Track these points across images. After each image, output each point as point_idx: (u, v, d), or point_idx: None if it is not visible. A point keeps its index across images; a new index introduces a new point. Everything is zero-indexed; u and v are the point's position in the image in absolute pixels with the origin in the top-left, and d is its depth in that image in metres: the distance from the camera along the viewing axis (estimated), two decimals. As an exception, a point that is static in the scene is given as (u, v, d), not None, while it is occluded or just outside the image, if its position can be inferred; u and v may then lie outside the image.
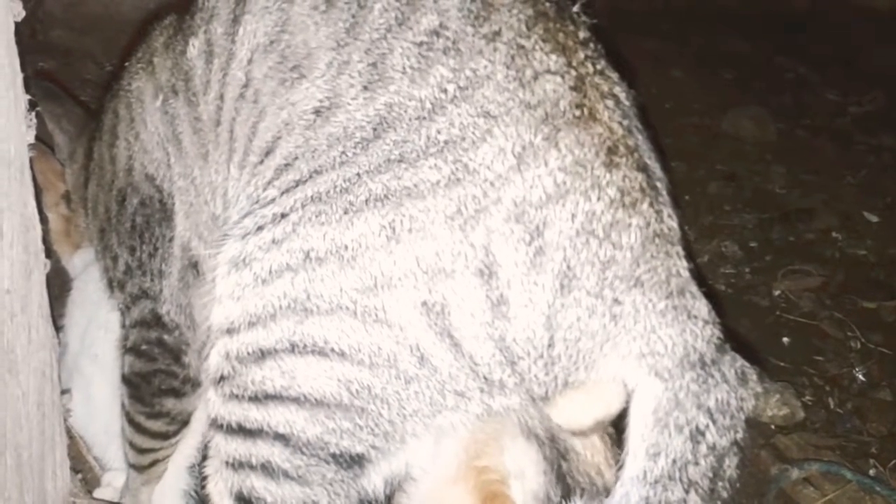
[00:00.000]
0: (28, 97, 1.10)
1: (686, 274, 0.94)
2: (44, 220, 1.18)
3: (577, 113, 0.92)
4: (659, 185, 0.96)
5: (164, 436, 1.36)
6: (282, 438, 0.96)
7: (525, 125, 0.90)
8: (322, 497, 0.98)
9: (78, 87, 2.07)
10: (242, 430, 0.98)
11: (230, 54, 1.07)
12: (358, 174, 0.92)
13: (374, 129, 0.93)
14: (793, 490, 1.74)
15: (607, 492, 1.10)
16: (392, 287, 0.90)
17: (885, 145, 3.32)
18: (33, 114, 1.11)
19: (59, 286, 1.54)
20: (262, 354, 0.96)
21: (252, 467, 0.98)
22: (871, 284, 2.48)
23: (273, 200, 0.97)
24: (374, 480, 1.02)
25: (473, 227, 0.89)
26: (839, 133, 3.41)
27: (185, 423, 1.36)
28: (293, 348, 0.94)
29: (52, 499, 1.28)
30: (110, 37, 2.49)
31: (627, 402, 0.94)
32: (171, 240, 1.22)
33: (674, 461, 0.91)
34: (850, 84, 3.74)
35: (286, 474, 0.97)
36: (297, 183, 0.96)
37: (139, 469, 1.40)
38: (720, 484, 0.94)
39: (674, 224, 0.95)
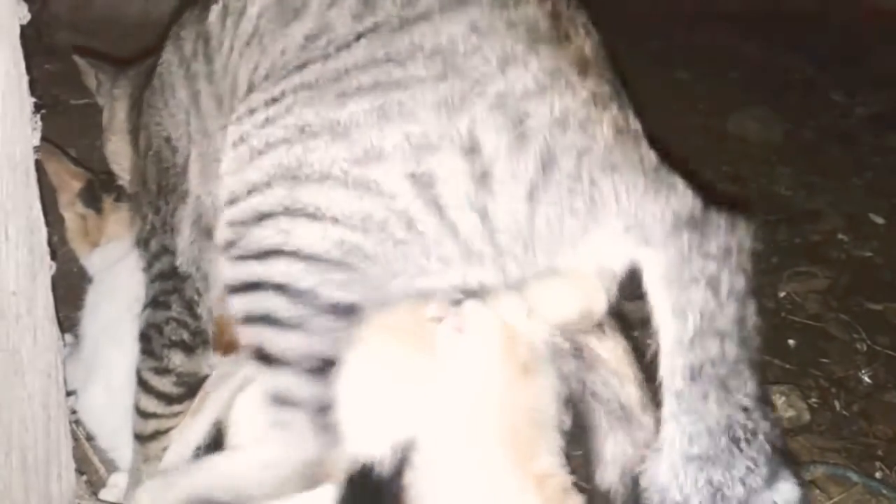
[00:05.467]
0: (34, 100, 1.10)
1: (655, 159, 1.03)
2: (48, 222, 1.19)
3: (554, 34, 1.03)
4: (625, 100, 1.07)
5: (169, 399, 1.39)
6: (281, 288, 1.04)
7: (510, 38, 1.00)
8: (322, 345, 1.05)
9: (83, 89, 2.07)
10: (248, 286, 1.07)
11: (241, 11, 1.19)
12: (346, 68, 1.02)
13: (357, 36, 1.03)
14: (798, 493, 1.73)
15: (630, 413, 1.15)
16: (382, 159, 1.00)
17: (892, 146, 3.30)
18: (38, 116, 1.11)
19: (64, 288, 1.55)
20: (261, 217, 1.05)
21: (259, 320, 1.06)
22: (877, 286, 2.47)
23: (265, 90, 1.08)
24: None
25: (459, 114, 0.98)
26: (845, 134, 3.40)
27: (190, 391, 1.39)
28: (286, 211, 1.03)
29: (57, 500, 1.28)
30: (116, 39, 2.50)
31: (644, 286, 1.00)
32: (186, 194, 1.33)
33: (701, 314, 0.97)
34: (857, 85, 3.73)
35: (288, 324, 1.05)
36: (286, 74, 1.06)
37: (140, 440, 1.43)
38: (749, 332, 0.99)
39: (638, 127, 1.06)
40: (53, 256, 1.20)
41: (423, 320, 1.08)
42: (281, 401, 1.08)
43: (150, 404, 1.40)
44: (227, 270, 1.10)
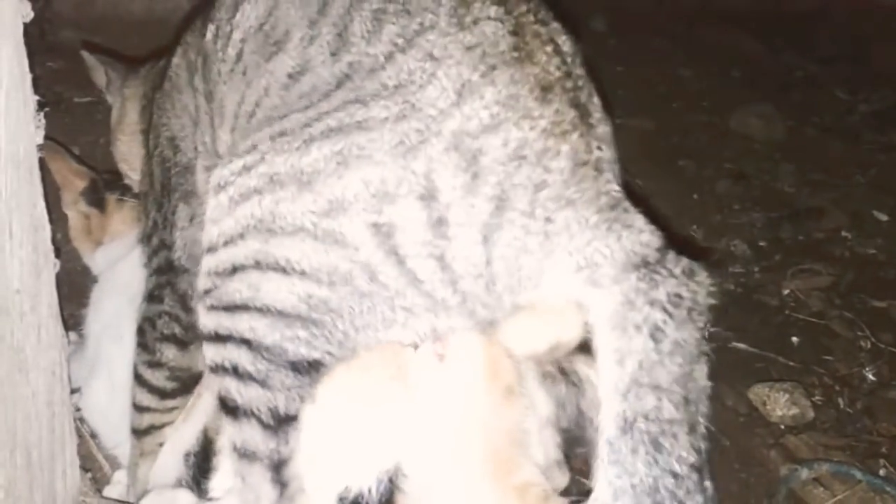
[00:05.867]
0: (37, 98, 1.10)
1: (617, 193, 1.00)
2: (52, 220, 1.19)
3: (515, 55, 1.00)
4: (594, 122, 1.03)
5: (162, 393, 1.41)
6: (246, 343, 1.05)
7: (465, 65, 0.98)
8: (280, 401, 1.05)
9: (86, 86, 2.07)
10: (218, 337, 1.08)
11: (228, 35, 1.21)
12: (319, 114, 1.02)
13: (338, 82, 1.03)
14: (803, 490, 1.73)
15: None
16: (345, 210, 0.98)
17: (895, 143, 3.30)
18: (42, 115, 1.11)
19: (68, 285, 1.55)
20: (234, 269, 1.05)
21: (225, 370, 1.07)
22: (880, 283, 2.47)
23: (247, 135, 1.09)
24: None
25: (416, 156, 0.96)
26: (848, 131, 3.39)
27: (184, 386, 1.41)
28: (257, 265, 1.03)
29: (61, 498, 1.28)
30: (119, 37, 2.50)
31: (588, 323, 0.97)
32: (190, 195, 1.37)
33: (640, 363, 0.92)
34: (860, 82, 3.73)
35: (251, 377, 1.05)
36: (269, 121, 1.07)
37: (137, 434, 1.45)
38: (693, 394, 0.94)
39: (603, 155, 1.01)
40: (57, 254, 1.20)
41: (398, 348, 1.08)
42: (241, 452, 1.09)
43: (145, 398, 1.42)
44: (202, 318, 1.10)
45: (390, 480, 1.10)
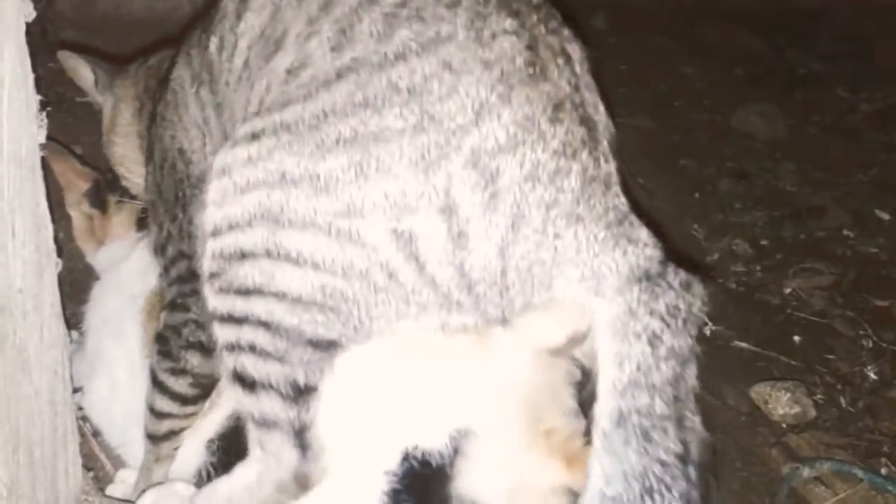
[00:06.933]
0: (39, 97, 1.11)
1: (623, 208, 1.06)
2: (54, 219, 1.19)
3: (530, 71, 1.03)
4: (600, 136, 1.08)
5: (184, 399, 1.40)
6: (264, 325, 1.09)
7: (484, 83, 1.00)
8: (300, 375, 1.10)
9: (88, 86, 2.07)
10: (232, 319, 1.11)
11: (234, 45, 1.22)
12: (324, 111, 1.03)
13: (338, 73, 1.04)
14: (804, 489, 1.73)
15: None
16: (363, 215, 1.01)
17: (897, 142, 3.30)
18: (44, 114, 1.12)
19: (70, 284, 1.56)
20: (243, 255, 1.07)
21: (241, 348, 1.11)
22: (883, 282, 2.47)
23: (247, 124, 1.11)
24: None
25: (436, 171, 1.00)
26: (851, 130, 3.39)
27: (204, 392, 1.40)
28: (268, 254, 1.05)
29: (64, 497, 1.29)
30: (121, 37, 2.50)
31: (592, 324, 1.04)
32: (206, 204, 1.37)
33: (637, 366, 1.00)
34: (862, 81, 3.72)
35: (269, 355, 1.09)
36: (269, 110, 1.09)
37: (153, 440, 1.43)
38: (682, 393, 1.02)
39: (610, 169, 1.07)
40: (60, 253, 1.21)
41: None
42: (260, 422, 1.13)
43: (165, 405, 1.40)
44: (212, 300, 1.13)
45: (457, 441, 1.13)
